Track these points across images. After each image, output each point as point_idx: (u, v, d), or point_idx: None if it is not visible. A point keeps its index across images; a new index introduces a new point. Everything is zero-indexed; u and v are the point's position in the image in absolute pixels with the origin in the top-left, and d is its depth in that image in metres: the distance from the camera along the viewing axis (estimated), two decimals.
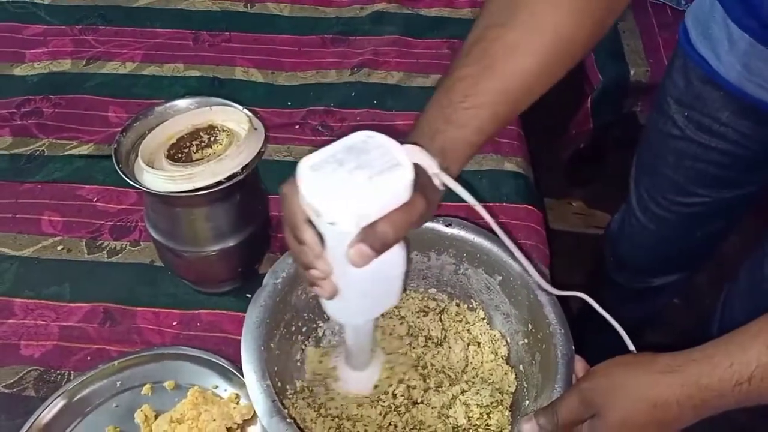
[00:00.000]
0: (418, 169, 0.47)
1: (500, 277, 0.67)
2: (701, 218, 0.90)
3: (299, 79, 1.05)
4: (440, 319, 0.70)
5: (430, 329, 0.70)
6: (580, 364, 0.59)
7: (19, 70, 1.05)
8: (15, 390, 0.69)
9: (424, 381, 0.66)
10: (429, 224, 0.66)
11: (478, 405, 0.64)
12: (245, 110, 0.69)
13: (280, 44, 1.10)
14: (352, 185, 0.43)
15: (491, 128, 0.52)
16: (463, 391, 0.65)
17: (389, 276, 0.52)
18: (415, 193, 0.45)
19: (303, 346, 0.68)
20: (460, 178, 0.51)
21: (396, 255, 0.50)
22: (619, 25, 1.37)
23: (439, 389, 0.65)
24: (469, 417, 0.63)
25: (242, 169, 0.64)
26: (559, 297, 0.63)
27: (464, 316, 0.71)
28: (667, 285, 1.04)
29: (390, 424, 0.63)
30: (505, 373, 0.67)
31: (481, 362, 0.68)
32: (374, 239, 0.44)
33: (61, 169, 0.91)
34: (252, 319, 0.60)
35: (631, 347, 0.59)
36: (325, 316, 0.70)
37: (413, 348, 0.69)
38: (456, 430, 0.63)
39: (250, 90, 1.02)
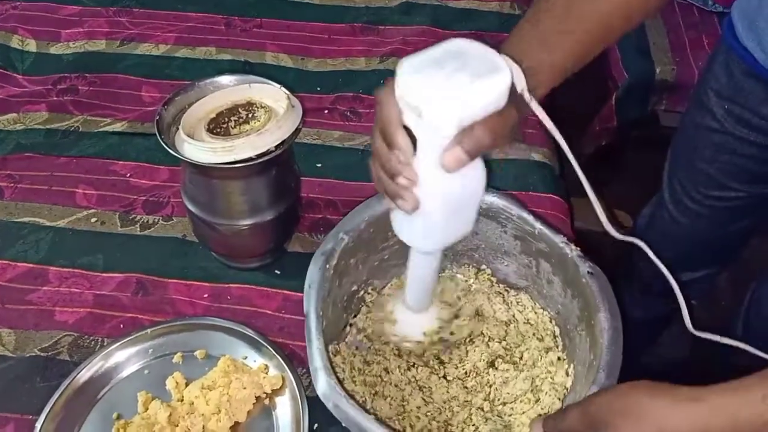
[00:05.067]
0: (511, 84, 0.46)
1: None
2: (735, 213, 0.90)
3: (329, 65, 1.06)
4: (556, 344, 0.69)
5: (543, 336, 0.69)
6: None
7: (54, 49, 1.07)
8: (50, 354, 0.71)
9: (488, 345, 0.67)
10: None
11: (505, 388, 0.65)
12: (283, 88, 0.70)
13: (310, 31, 1.12)
14: (454, 86, 0.43)
15: (577, 55, 0.52)
16: (506, 370, 0.66)
17: (469, 197, 0.52)
18: (509, 103, 0.45)
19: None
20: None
21: (478, 175, 0.50)
22: (646, 23, 1.37)
23: (493, 361, 0.67)
24: (490, 385, 0.65)
25: (281, 144, 0.65)
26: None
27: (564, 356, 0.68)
28: (692, 282, 1.04)
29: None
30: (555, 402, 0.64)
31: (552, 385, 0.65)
32: (471, 143, 0.44)
33: (96, 144, 0.92)
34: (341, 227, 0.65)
35: (683, 303, 0.57)
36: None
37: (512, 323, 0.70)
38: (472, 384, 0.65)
39: (281, 74, 1.03)
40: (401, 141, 0.46)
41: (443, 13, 1.16)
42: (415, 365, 0.66)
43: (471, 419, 0.63)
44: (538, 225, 0.66)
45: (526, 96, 0.49)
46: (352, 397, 0.56)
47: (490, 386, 0.65)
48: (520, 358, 0.68)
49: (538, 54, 0.51)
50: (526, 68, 0.49)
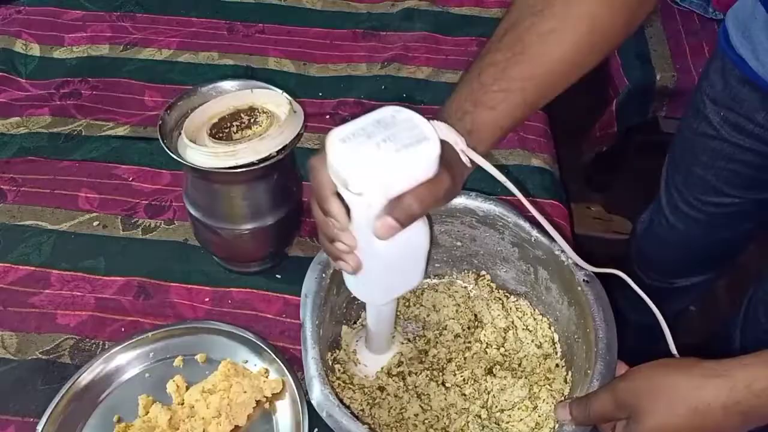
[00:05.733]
0: (446, 146, 0.47)
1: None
2: (731, 219, 0.90)
3: (330, 71, 1.07)
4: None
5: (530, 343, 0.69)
6: (622, 368, 0.57)
7: (58, 53, 1.08)
8: (51, 357, 0.71)
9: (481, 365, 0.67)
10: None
11: (503, 395, 0.65)
12: (285, 94, 0.71)
13: (313, 37, 1.13)
14: (380, 157, 0.44)
15: (520, 113, 0.52)
16: (503, 377, 0.66)
17: (412, 253, 0.52)
18: (442, 169, 0.46)
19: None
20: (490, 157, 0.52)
21: (420, 231, 0.50)
22: (647, 31, 1.38)
23: (490, 369, 0.66)
24: (487, 390, 0.65)
25: (282, 148, 0.66)
26: None
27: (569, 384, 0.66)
28: (689, 287, 1.05)
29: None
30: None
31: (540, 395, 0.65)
32: (400, 212, 0.45)
33: (98, 148, 0.93)
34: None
35: (666, 329, 0.58)
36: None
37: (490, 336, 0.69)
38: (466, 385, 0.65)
39: (283, 80, 1.04)
40: (334, 209, 0.47)
41: (444, 20, 1.16)
42: (416, 371, 0.66)
43: (468, 426, 0.63)
44: (535, 233, 0.66)
45: (464, 158, 0.49)
46: (347, 406, 0.56)
47: (488, 393, 0.65)
48: (519, 365, 0.68)
49: (479, 113, 0.51)
50: (466, 129, 0.50)
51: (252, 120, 0.70)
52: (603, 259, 0.67)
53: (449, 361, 0.68)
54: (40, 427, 0.63)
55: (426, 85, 1.05)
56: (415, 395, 0.65)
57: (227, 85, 0.72)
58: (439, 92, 1.04)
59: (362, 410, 0.64)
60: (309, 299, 0.61)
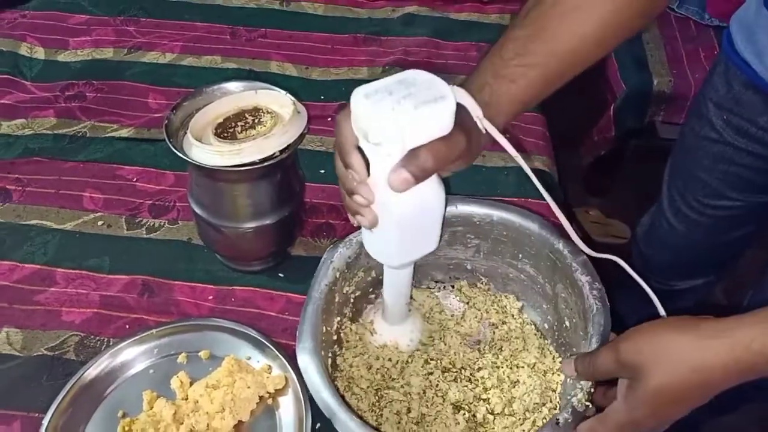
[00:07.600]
0: (464, 111, 0.50)
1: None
2: (733, 222, 0.91)
3: (332, 74, 1.08)
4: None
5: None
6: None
7: (62, 57, 1.09)
8: (56, 353, 0.72)
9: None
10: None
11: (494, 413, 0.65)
12: (288, 95, 0.72)
13: (314, 41, 1.14)
14: (399, 112, 0.47)
15: (539, 88, 0.54)
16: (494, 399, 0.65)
17: (426, 215, 0.55)
18: (457, 130, 0.48)
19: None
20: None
21: (434, 194, 0.53)
22: (644, 36, 1.40)
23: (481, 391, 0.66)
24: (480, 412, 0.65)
25: (286, 148, 0.67)
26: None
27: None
28: (690, 290, 1.05)
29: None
30: None
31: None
32: (415, 165, 0.47)
33: (102, 150, 0.94)
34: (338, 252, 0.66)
35: (662, 313, 0.59)
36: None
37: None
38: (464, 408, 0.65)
39: (285, 83, 1.04)
40: (354, 162, 0.49)
41: (444, 25, 1.18)
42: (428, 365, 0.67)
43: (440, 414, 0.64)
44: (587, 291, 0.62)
45: (480, 124, 0.51)
46: (338, 368, 0.60)
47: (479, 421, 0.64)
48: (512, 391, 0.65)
49: (498, 86, 0.53)
50: (485, 100, 0.51)
51: (256, 120, 0.71)
52: (600, 265, 0.66)
53: (450, 365, 0.68)
54: (45, 422, 0.64)
55: None
56: (410, 394, 0.65)
57: (232, 86, 0.73)
58: None
59: (352, 369, 0.66)
60: (339, 248, 0.64)
